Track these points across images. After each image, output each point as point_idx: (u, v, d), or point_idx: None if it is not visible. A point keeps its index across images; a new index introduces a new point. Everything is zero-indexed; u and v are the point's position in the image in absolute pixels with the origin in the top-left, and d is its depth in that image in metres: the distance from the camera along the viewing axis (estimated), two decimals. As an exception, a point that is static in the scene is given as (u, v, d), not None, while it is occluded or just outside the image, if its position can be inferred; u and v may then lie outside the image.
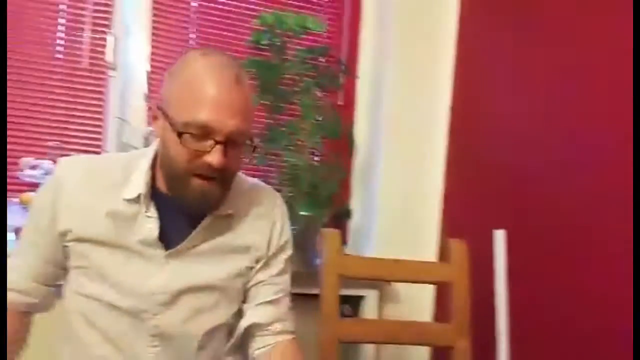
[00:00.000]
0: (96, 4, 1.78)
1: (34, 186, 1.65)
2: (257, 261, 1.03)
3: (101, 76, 1.80)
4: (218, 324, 1.01)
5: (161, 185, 0.97)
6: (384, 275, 1.44)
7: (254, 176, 1.11)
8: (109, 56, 1.78)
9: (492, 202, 1.67)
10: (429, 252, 1.91)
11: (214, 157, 0.89)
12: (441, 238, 1.91)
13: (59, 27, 1.76)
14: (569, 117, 1.40)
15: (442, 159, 1.92)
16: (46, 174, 1.64)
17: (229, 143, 0.90)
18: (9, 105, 1.70)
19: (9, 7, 1.68)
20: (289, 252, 1.08)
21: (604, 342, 1.24)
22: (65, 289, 1.01)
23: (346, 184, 2.01)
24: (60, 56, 1.76)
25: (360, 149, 2.02)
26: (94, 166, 1.00)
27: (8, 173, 1.66)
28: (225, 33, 1.90)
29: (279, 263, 1.06)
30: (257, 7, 1.90)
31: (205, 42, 1.89)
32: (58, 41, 1.76)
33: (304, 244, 1.67)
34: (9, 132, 1.71)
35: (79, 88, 1.78)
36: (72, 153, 1.72)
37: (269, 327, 1.03)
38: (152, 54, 1.83)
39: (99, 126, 1.80)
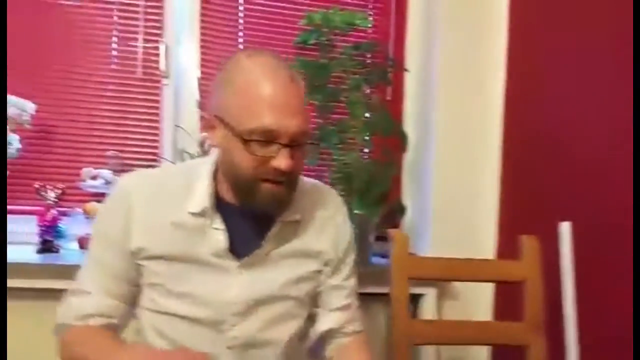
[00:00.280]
0: (147, 13, 1.82)
1: (95, 196, 1.71)
2: (326, 264, 1.04)
3: (155, 85, 1.84)
4: (295, 330, 1.02)
5: (225, 194, 0.97)
6: (456, 276, 1.44)
7: (307, 177, 1.11)
8: (161, 65, 1.82)
9: (554, 194, 1.61)
10: (485, 249, 1.86)
11: (281, 161, 0.88)
12: (499, 235, 1.85)
13: (113, 39, 1.81)
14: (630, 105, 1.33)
15: (497, 152, 1.87)
16: (107, 183, 1.70)
17: (293, 145, 0.89)
18: (70, 117, 1.77)
19: (65, 23, 1.76)
20: (354, 253, 1.08)
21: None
22: (138, 306, 1.01)
23: (397, 181, 1.98)
24: (116, 67, 1.81)
25: (410, 145, 1.99)
26: (157, 181, 1.00)
27: (71, 184, 1.73)
28: (272, 35, 1.91)
29: (347, 266, 1.06)
30: (303, 7, 1.90)
31: (253, 45, 1.90)
32: (113, 52, 1.81)
33: (358, 243, 1.65)
34: (73, 144, 1.78)
35: (134, 97, 1.83)
36: (130, 162, 1.79)
37: (342, 330, 1.05)
38: (202, 59, 1.86)
39: (155, 134, 1.85)
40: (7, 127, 1.60)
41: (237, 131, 0.88)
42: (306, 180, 1.07)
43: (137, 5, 1.81)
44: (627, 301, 1.26)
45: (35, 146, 1.75)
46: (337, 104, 1.80)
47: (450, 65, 1.85)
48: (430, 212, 1.87)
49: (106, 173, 1.71)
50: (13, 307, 1.50)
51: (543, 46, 1.70)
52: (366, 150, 1.91)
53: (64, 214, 1.69)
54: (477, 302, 1.86)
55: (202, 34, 1.86)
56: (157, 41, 1.83)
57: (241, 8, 1.90)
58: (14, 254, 1.58)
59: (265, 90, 0.87)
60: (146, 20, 1.83)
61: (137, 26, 1.82)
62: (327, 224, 1.04)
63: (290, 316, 1.01)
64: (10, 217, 1.69)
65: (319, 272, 1.03)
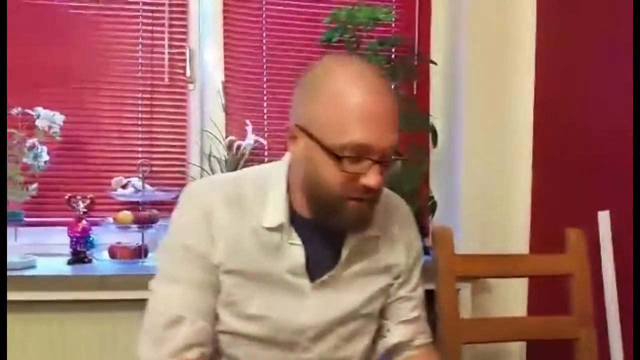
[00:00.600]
0: (172, 19, 1.81)
1: (125, 204, 1.70)
2: (397, 277, 1.00)
3: (181, 90, 1.83)
4: (366, 345, 0.99)
5: (298, 206, 0.90)
6: (504, 272, 1.41)
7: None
8: (187, 70, 1.80)
9: (588, 185, 1.56)
10: (517, 243, 1.82)
11: (371, 179, 0.82)
12: (531, 228, 1.81)
13: (139, 47, 1.80)
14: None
15: (529, 144, 1.82)
16: (137, 191, 1.68)
17: (384, 161, 0.83)
18: (98, 127, 1.77)
19: (91, 33, 1.75)
20: (421, 263, 1.04)
21: None
22: None
23: (425, 177, 1.94)
24: (142, 74, 1.80)
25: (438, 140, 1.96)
26: (230, 191, 0.92)
27: (101, 193, 1.72)
28: (295, 35, 1.89)
29: (415, 276, 1.03)
30: (324, 5, 1.87)
31: (276, 47, 1.88)
32: (139, 60, 1.80)
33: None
34: (102, 154, 1.78)
35: (161, 104, 1.82)
36: (158, 168, 1.77)
37: (411, 343, 1.02)
38: (226, 63, 1.84)
39: (182, 139, 1.84)
40: (37, 139, 1.59)
41: (326, 146, 0.81)
42: None
43: (162, 12, 1.80)
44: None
45: (64, 157, 1.74)
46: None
47: (478, 58, 1.80)
48: (459, 207, 1.83)
49: (136, 181, 1.70)
50: (43, 319, 1.51)
51: (573, 36, 1.65)
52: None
53: (95, 223, 1.68)
54: (511, 296, 1.83)
55: (225, 37, 1.84)
56: (182, 46, 1.82)
57: (262, 9, 1.88)
58: (44, 266, 1.59)
59: (358, 101, 0.80)
60: (170, 25, 1.81)
61: (162, 32, 1.81)
62: (401, 236, 1.00)
63: (362, 333, 0.98)
64: (41, 229, 1.70)
65: (390, 285, 1.00)
